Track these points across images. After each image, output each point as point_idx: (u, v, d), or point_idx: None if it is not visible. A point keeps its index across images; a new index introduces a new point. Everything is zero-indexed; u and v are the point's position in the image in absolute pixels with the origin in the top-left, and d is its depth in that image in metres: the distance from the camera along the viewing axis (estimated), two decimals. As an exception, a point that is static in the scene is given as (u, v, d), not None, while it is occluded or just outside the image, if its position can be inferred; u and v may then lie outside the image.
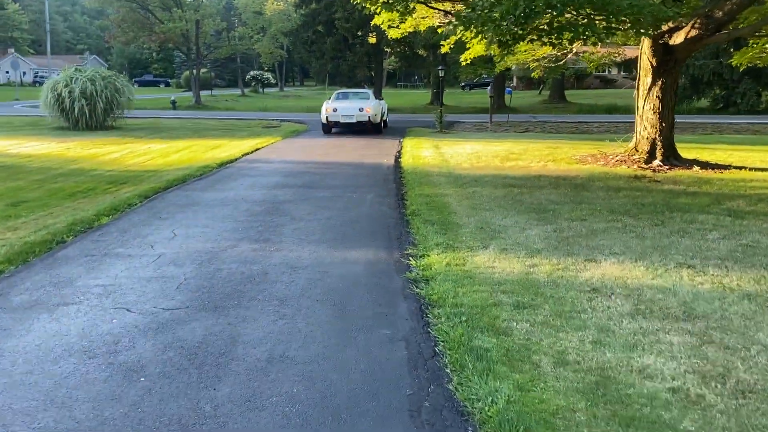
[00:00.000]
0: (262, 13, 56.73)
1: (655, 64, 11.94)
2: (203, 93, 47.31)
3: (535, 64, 17.32)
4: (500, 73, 32.45)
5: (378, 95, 34.24)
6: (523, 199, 8.96)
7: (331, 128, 20.56)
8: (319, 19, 32.72)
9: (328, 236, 7.09)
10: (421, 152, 14.98)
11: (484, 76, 41.75)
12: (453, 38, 16.49)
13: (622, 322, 4.46)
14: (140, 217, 8.17)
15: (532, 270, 5.65)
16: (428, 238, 6.78)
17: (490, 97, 25.19)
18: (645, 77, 12.25)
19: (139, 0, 32.49)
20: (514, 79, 57.93)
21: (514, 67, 35.27)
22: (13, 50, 68.94)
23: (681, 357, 3.90)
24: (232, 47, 37.78)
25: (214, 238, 6.99)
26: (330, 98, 21.62)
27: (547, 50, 16.47)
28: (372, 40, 36.35)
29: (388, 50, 39.59)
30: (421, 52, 36.30)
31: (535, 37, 8.59)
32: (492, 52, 17.08)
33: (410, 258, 6.15)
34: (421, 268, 5.80)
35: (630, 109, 32.08)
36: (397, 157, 14.35)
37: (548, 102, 38.86)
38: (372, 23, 16.20)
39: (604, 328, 4.35)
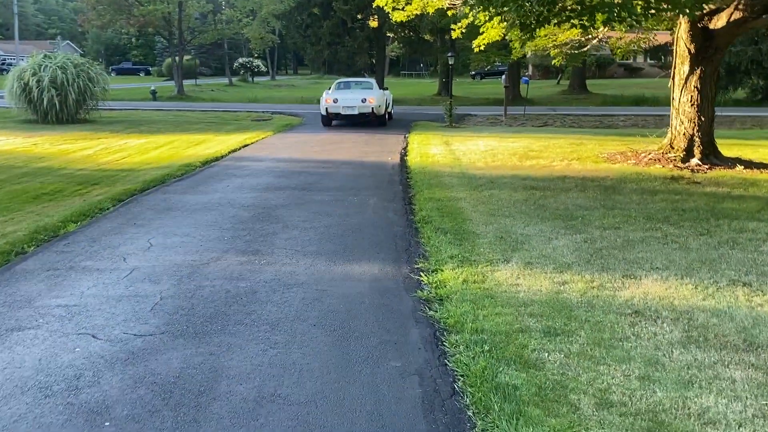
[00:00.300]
0: (252, -5, 56.60)
1: (693, 50, 11.65)
2: (187, 82, 47.06)
3: (555, 51, 17.01)
4: (516, 60, 32.29)
5: (381, 85, 34.02)
6: (547, 203, 8.68)
7: (331, 120, 20.51)
8: (315, 0, 32.48)
9: (327, 247, 6.81)
10: (429, 149, 14.70)
11: (497, 64, 41.47)
12: (465, 21, 16.24)
13: (672, 352, 4.17)
14: (112, 223, 7.89)
15: (562, 288, 5.37)
16: (441, 250, 6.50)
17: (505, 87, 24.91)
18: (681, 65, 11.97)
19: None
20: (530, 68, 57.70)
21: (529, 55, 35.12)
22: (-22, 35, 68.78)
23: (746, 397, 3.61)
24: (218, 32, 37.51)
25: (196, 248, 6.72)
26: (330, 88, 21.51)
27: (570, 35, 16.21)
28: (373, 24, 36.19)
29: (391, 35, 39.36)
30: (427, 37, 36.04)
31: (562, 19, 8.29)
32: (509, 37, 16.85)
33: (421, 273, 5.88)
34: (434, 285, 5.52)
35: (660, 101, 31.92)
36: (403, 155, 14.08)
37: (568, 93, 38.60)
38: (374, 4, 15.93)
39: (651, 360, 4.07)
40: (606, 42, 17.06)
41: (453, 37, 16.46)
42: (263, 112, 26.81)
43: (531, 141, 16.11)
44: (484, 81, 60.95)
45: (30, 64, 20.94)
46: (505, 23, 15.88)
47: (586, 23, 7.88)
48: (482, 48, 16.25)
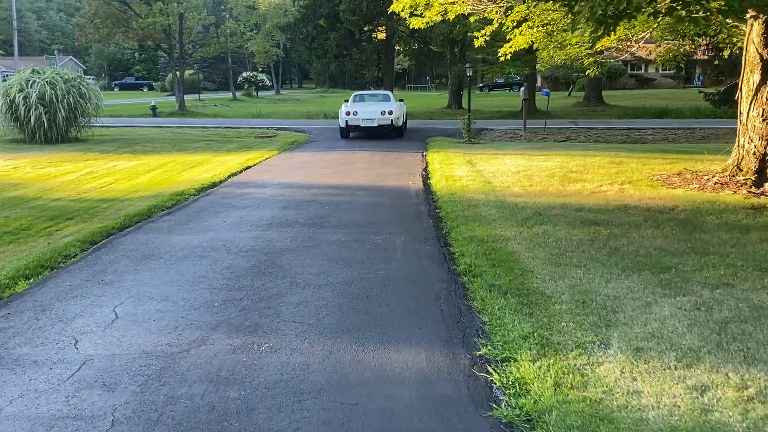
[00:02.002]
0: (255, 8, 55.17)
1: (766, 56, 9.90)
2: (190, 97, 45.56)
3: (590, 60, 15.30)
4: (531, 72, 30.62)
5: (391, 98, 32.40)
6: (620, 245, 6.89)
7: (349, 133, 20.49)
8: (321, 11, 30.81)
9: (350, 319, 5.03)
10: (453, 170, 12.94)
11: (512, 75, 39.85)
12: (489, 28, 14.56)
13: None
14: (75, 279, 6.13)
15: (706, 402, 3.58)
16: (506, 323, 4.73)
17: (524, 99, 23.12)
18: (751, 74, 10.20)
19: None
20: (539, 79, 56.05)
21: (538, 66, 33.30)
22: (-20, 51, 67.53)
23: None
24: (220, 45, 35.87)
25: (175, 323, 4.95)
26: (348, 101, 21.27)
27: (608, 42, 14.49)
28: (381, 35, 34.57)
29: (399, 48, 37.74)
30: (435, 48, 34.35)
31: (662, 10, 6.47)
32: (537, 45, 15.15)
33: (488, 366, 4.11)
34: (513, 391, 3.76)
35: (684, 113, 30.17)
36: (425, 177, 12.32)
37: (583, 105, 36.81)
38: (390, 9, 14.27)
39: None
40: (648, 49, 15.31)
41: (476, 45, 14.73)
42: (267, 128, 25.11)
43: (564, 159, 14.34)
44: (492, 93, 59.36)
45: (16, 80, 19.27)
46: (533, 29, 14.27)
47: (697, 16, 6.09)
48: (508, 57, 14.54)
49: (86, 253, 7.15)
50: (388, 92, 23.36)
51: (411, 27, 14.50)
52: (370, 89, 31.03)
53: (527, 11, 13.49)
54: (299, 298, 5.51)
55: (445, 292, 5.67)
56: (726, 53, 17.69)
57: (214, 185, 11.65)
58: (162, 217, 9.02)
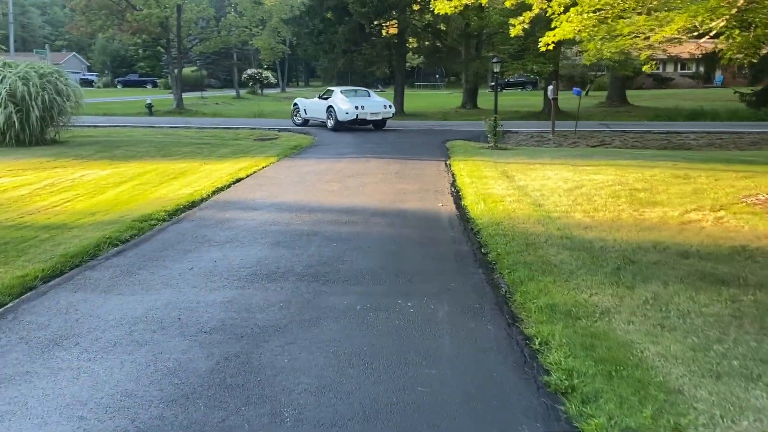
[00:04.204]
0: (261, 3, 52.62)
1: None
2: (193, 95, 43.04)
3: (646, 54, 12.69)
4: (554, 71, 28.05)
5: (400, 96, 29.84)
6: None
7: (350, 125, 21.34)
8: (329, 3, 28.18)
9: None
10: (488, 185, 10.41)
11: (525, 74, 37.11)
12: (528, 15, 12.02)
13: None
14: None
15: None
16: None
17: (552, 99, 20.54)
18: None
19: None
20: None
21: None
22: (-22, 47, 65.11)
23: None
24: (221, 40, 33.27)
25: None
26: (327, 96, 22.08)
27: (670, 31, 11.91)
28: (393, 30, 31.97)
29: (411, 43, 35.07)
30: (450, 42, 31.67)
31: None
32: (583, 35, 12.56)
33: None
34: None
35: (720, 115, 27.47)
36: (456, 196, 9.80)
37: (606, 105, 34.15)
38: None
39: None
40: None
41: (512, 35, 12.21)
42: (269, 129, 22.58)
43: (618, 172, 11.77)
44: (505, 92, 56.63)
45: (-15, 75, 16.78)
46: (583, 15, 11.73)
47: None
48: (551, 47, 12.01)
49: (-30, 330, 4.65)
50: (366, 89, 24.24)
51: (436, 12, 11.94)
52: (378, 86, 29.33)
53: (578, -8, 10.94)
54: (284, 460, 2.99)
55: (544, 444, 3.15)
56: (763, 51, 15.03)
57: (192, 206, 9.14)
58: (109, 258, 6.51)
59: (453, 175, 11.96)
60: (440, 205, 9.14)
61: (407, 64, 46.45)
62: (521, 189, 10.09)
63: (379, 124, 22.00)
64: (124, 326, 4.64)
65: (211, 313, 4.88)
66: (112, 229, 7.62)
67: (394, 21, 29.91)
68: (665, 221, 7.71)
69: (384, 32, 32.12)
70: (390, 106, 22.14)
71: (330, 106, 21.33)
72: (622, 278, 5.50)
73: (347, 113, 20.74)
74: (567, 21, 11.46)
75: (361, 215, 8.44)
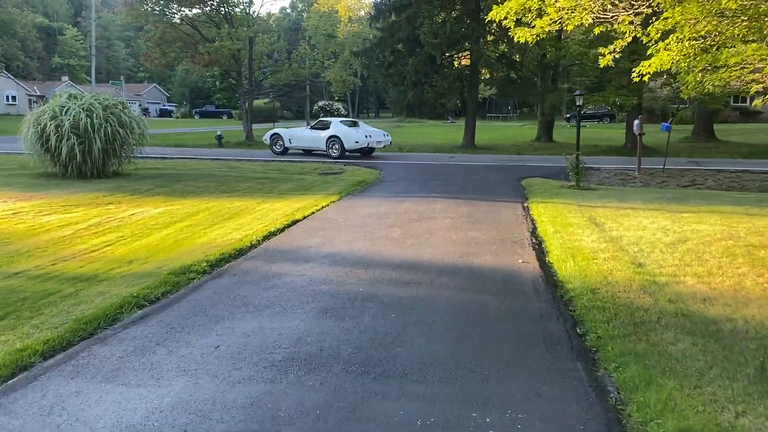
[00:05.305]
0: (334, 36, 52.66)
1: None
2: (264, 126, 43.03)
3: (756, 87, 11.05)
4: (638, 103, 26.20)
5: (471, 128, 28.55)
6: None
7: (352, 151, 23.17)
8: (399, 35, 27.34)
9: None
10: (575, 236, 8.98)
11: (603, 107, 35.29)
12: (619, 43, 10.61)
13: None
14: None
15: None
16: None
17: (639, 135, 18.80)
18: None
19: (180, 14, 28.36)
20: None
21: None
22: (67, 78, 67.95)
23: None
24: (293, 71, 32.93)
25: None
26: (320, 126, 23.84)
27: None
28: (465, 61, 30.84)
29: (483, 75, 33.79)
30: (525, 73, 30.22)
31: None
32: (682, 65, 11.05)
33: None
34: None
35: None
36: (538, 248, 8.43)
37: (691, 140, 31.86)
38: (488, 17, 10.54)
39: None
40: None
41: (601, 65, 10.82)
42: (335, 163, 21.72)
43: (723, 221, 10.12)
44: (582, 125, 54.44)
45: (50, 106, 16.53)
46: (682, 44, 10.27)
47: None
48: (646, 78, 10.58)
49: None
50: (355, 119, 27.06)
51: (516, 40, 10.67)
52: (448, 118, 29.45)
53: (681, 17, 9.50)
54: None
55: None
56: None
57: (238, 254, 8.11)
58: (128, 326, 5.48)
59: (533, 220, 10.58)
60: (521, 261, 7.77)
61: (479, 96, 45.23)
62: (615, 242, 8.61)
63: (368, 152, 23.77)
64: (113, 440, 3.53)
65: (227, 423, 3.71)
66: (144, 284, 6.65)
67: (467, 52, 28.78)
68: (807, 295, 6.13)
69: (456, 63, 31.02)
70: (387, 135, 24.37)
71: (334, 136, 22.78)
72: (777, 391, 4.04)
73: (357, 142, 22.55)
74: (665, 49, 10.04)
75: (426, 273, 7.18)
